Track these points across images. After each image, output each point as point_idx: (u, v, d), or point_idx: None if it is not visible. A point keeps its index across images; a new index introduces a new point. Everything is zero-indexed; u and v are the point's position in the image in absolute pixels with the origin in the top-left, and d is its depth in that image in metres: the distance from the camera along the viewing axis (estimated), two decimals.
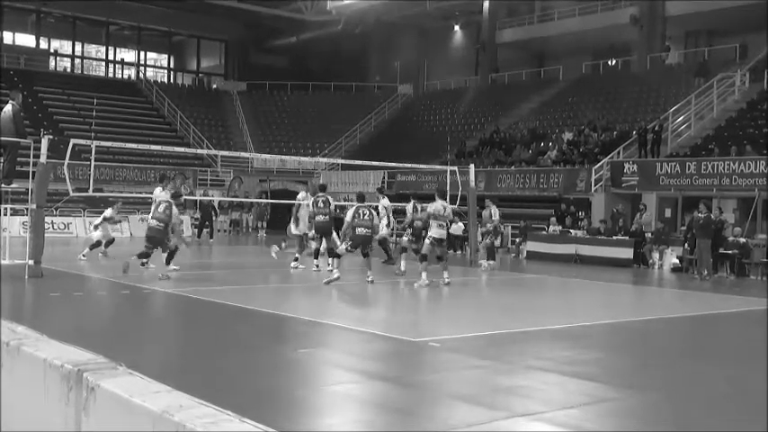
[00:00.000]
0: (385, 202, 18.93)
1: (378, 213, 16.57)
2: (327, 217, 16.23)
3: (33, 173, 14.53)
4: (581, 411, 6.39)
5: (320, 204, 16.23)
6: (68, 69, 47.31)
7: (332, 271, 15.40)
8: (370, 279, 14.75)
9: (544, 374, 7.66)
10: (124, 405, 2.85)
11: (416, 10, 42.76)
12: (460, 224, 25.10)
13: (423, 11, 42.68)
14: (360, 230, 14.66)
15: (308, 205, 17.13)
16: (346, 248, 14.85)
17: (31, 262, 14.09)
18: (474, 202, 21.18)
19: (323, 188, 17.22)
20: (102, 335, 9.11)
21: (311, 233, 17.38)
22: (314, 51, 48.69)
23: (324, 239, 16.56)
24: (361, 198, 15.73)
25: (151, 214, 15.39)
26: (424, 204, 16.41)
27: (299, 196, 18.27)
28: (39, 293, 12.65)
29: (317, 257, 16.90)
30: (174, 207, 15.11)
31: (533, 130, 33.67)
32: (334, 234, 16.48)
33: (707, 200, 20.04)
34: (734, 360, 8.96)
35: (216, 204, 29.89)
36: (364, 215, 14.80)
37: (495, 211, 20.24)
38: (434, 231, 15.21)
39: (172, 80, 50.58)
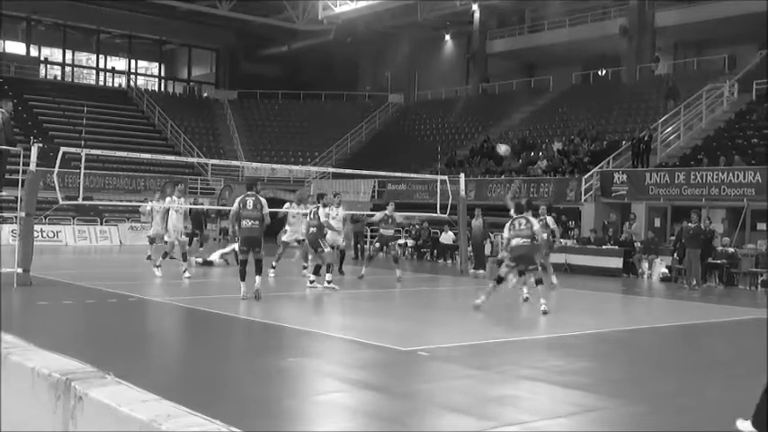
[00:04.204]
0: (339, 211, 17.77)
1: (542, 224, 14.68)
2: (315, 228, 15.42)
3: (23, 181, 14.50)
4: (570, 421, 6.41)
5: (311, 215, 15.59)
6: (59, 77, 47.12)
7: (314, 284, 15.10)
8: (543, 308, 12.60)
9: (533, 384, 7.67)
10: (112, 414, 2.85)
11: (407, 20, 42.81)
12: (450, 233, 25.17)
13: (414, 21, 42.74)
14: (517, 241, 12.96)
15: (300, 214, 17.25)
16: (507, 266, 13.21)
17: (19, 270, 14.04)
18: (464, 212, 21.19)
19: (320, 197, 16.38)
20: (91, 344, 9.08)
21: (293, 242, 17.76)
22: (305, 60, 48.68)
23: (313, 251, 15.67)
24: (519, 209, 13.46)
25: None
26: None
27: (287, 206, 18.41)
28: (27, 302, 12.59)
29: (316, 272, 15.57)
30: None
31: (523, 139, 33.75)
32: (325, 246, 15.52)
33: (696, 210, 20.13)
34: (724, 369, 8.99)
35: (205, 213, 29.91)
36: (521, 225, 13.07)
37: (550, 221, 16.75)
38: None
39: (163, 89, 50.50)
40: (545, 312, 12.50)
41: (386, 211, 18.99)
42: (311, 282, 15.41)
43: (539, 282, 13.10)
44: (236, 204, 13.40)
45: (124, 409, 2.81)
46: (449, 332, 11.19)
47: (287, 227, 18.00)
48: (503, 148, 20.22)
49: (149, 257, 20.85)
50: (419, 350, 9.08)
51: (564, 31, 39.28)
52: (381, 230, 18.85)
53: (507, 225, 13.22)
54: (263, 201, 13.31)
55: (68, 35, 47.49)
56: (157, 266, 16.78)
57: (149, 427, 2.67)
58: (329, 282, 15.23)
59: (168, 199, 17.49)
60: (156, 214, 20.82)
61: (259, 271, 13.26)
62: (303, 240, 17.89)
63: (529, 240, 12.95)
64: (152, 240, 21.02)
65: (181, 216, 17.38)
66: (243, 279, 13.24)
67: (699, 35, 36.76)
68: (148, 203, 21.21)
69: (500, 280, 13.18)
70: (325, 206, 16.15)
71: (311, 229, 15.48)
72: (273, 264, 17.45)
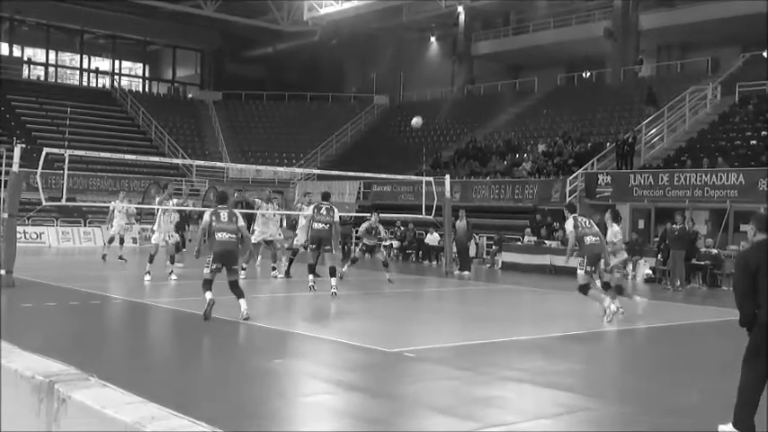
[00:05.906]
0: (310, 209, 16.15)
1: None
2: (328, 226, 14.48)
3: (5, 182, 14.41)
4: (554, 421, 6.42)
5: (323, 211, 14.65)
6: (42, 78, 46.84)
7: (335, 293, 13.98)
8: (624, 310, 12.36)
9: (518, 385, 7.69)
10: (96, 416, 2.82)
11: (393, 21, 42.87)
12: (436, 234, 25.20)
13: (399, 22, 42.81)
14: (590, 239, 12.40)
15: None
16: (585, 271, 12.42)
17: (2, 272, 13.94)
18: (449, 213, 21.21)
19: (326, 196, 15.38)
20: (75, 346, 9.02)
21: (299, 242, 17.52)
22: (290, 62, 48.63)
23: (322, 251, 14.61)
24: (572, 208, 13.29)
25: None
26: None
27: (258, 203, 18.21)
28: (11, 304, 12.48)
29: (312, 272, 14.66)
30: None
31: (509, 141, 33.84)
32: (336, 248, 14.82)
33: (680, 211, 20.24)
34: (709, 370, 9.04)
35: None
36: (585, 223, 12.63)
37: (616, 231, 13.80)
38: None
39: (147, 89, 50.28)
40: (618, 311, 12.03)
41: (370, 222, 18.91)
42: (336, 287, 14.28)
43: (620, 290, 12.70)
44: (206, 216, 11.52)
45: (108, 412, 2.79)
46: (435, 333, 11.20)
47: (255, 227, 17.72)
48: (414, 120, 20.31)
49: (120, 257, 20.61)
50: (405, 351, 9.08)
51: (549, 33, 39.45)
52: (365, 240, 18.83)
53: (570, 223, 12.58)
54: (239, 214, 11.76)
55: (52, 35, 47.19)
56: (147, 272, 16.39)
57: (134, 429, 2.65)
58: (335, 285, 14.25)
59: (159, 200, 17.40)
60: (119, 214, 20.87)
61: (239, 292, 11.31)
62: (272, 241, 17.87)
63: (598, 238, 12.48)
64: (111, 240, 21.11)
65: (173, 218, 17.28)
66: (209, 289, 11.14)
67: (682, 38, 37.05)
68: (111, 203, 21.41)
69: (585, 290, 12.46)
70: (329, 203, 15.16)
71: (317, 225, 14.49)
72: (244, 265, 17.19)
